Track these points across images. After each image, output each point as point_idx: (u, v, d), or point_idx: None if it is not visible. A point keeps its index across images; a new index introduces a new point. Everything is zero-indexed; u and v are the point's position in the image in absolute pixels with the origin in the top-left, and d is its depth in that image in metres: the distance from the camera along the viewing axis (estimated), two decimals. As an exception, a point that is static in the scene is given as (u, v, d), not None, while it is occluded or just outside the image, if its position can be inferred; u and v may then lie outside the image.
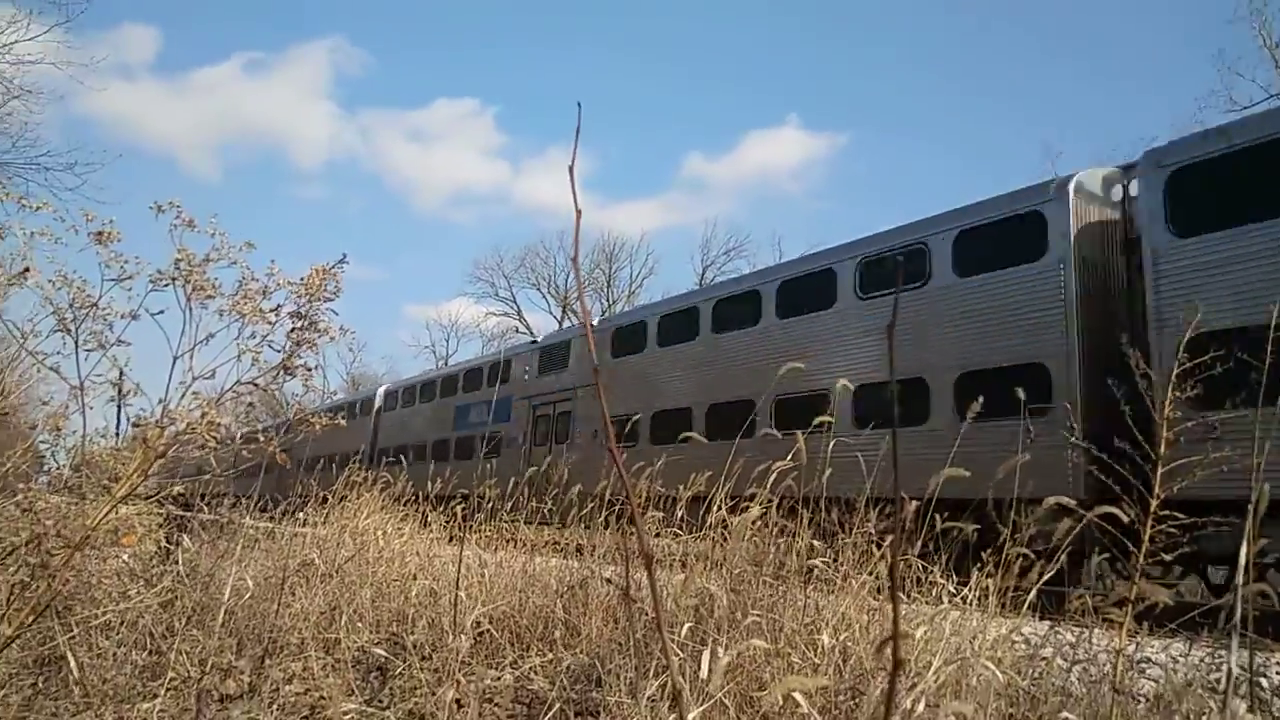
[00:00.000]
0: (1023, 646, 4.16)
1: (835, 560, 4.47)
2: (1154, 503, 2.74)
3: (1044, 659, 3.91)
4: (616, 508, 5.64)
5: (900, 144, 64.24)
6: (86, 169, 12.77)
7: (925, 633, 3.52)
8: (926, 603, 4.38)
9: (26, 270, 3.06)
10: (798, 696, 2.93)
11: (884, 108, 62.83)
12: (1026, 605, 3.88)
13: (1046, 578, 3.73)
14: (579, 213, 1.30)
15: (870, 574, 4.24)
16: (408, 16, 65.78)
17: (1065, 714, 3.17)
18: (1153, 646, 4.71)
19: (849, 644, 3.86)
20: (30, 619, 3.10)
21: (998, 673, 3.30)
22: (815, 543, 4.61)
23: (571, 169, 1.26)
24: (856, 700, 3.47)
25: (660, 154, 69.28)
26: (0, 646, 3.07)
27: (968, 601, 4.06)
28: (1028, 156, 62.57)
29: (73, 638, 3.69)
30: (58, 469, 4.22)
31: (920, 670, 3.31)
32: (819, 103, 65.49)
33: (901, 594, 4.51)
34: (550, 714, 3.71)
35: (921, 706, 2.96)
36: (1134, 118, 57.16)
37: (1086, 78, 55.96)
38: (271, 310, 3.17)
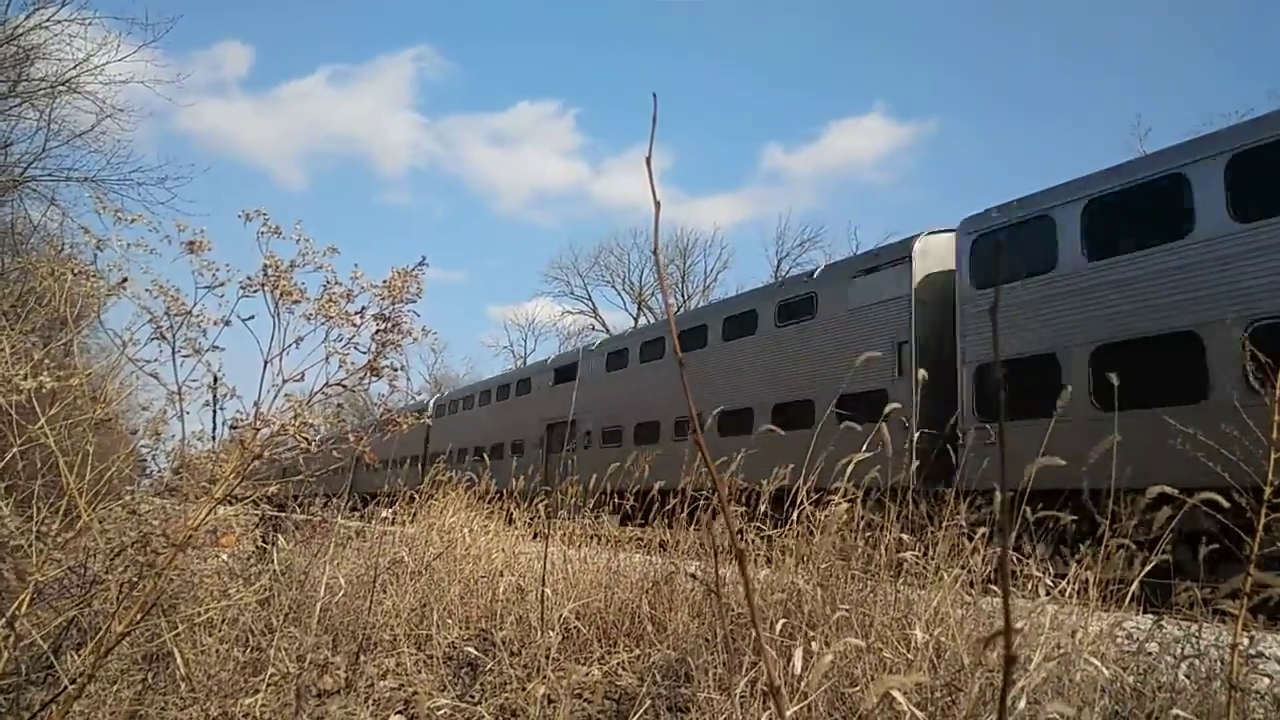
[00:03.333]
0: (1126, 642, 4.01)
1: (925, 554, 4.38)
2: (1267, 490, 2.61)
3: (1149, 654, 3.77)
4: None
5: (990, 126, 62.52)
6: (176, 182, 13.32)
7: (1023, 627, 3.41)
8: (1023, 597, 4.26)
9: (125, 281, 3.19)
10: (895, 694, 2.87)
11: (973, 91, 61.25)
12: (1129, 598, 3.75)
13: (1149, 569, 3.60)
14: (658, 204, 1.28)
15: (962, 567, 4.13)
16: (491, 22, 66.86)
17: (1176, 711, 3.05)
18: (1265, 642, 4.50)
19: (942, 639, 3.77)
20: (139, 617, 3.22)
21: (1103, 669, 3.19)
22: (904, 536, 4.52)
23: (649, 160, 1.24)
24: (953, 697, 3.38)
25: (739, 147, 68.85)
26: (113, 644, 3.20)
27: (1066, 594, 3.94)
28: (1119, 132, 60.11)
29: (178, 635, 3.82)
30: (159, 472, 4.39)
31: (1020, 665, 3.21)
32: (906, 90, 64.15)
33: (995, 586, 4.40)
34: (640, 710, 3.71)
35: (1023, 703, 2.87)
36: (1232, 87, 54.48)
37: (1182, 47, 53.55)
38: (356, 313, 3.24)
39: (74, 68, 12.75)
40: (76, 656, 3.28)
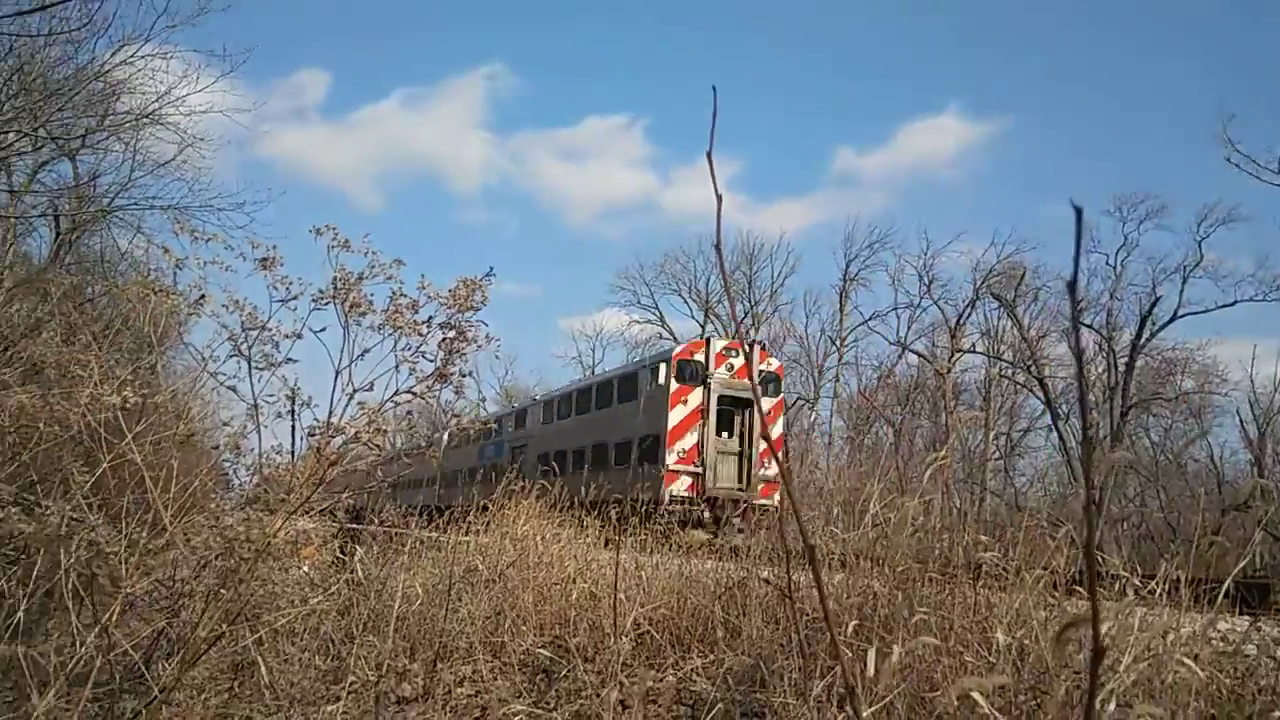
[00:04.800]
0: (1220, 643, 3.84)
1: (1005, 554, 4.26)
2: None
3: (1247, 656, 3.60)
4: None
5: (1068, 121, 60.64)
6: (254, 207, 13.73)
7: (1111, 628, 3.28)
8: (1109, 598, 4.12)
9: (203, 297, 3.31)
10: (976, 696, 2.79)
11: (1050, 86, 59.44)
12: (1221, 598, 3.59)
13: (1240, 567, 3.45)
14: (719, 198, 1.26)
15: (1045, 568, 4.01)
16: (560, 36, 67.57)
17: (1279, 715, 2.90)
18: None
19: (1025, 642, 3.66)
20: (223, 625, 3.31)
21: (1197, 670, 3.06)
22: (983, 537, 4.41)
23: (709, 155, 1.23)
24: (1039, 700, 3.28)
25: (809, 151, 67.95)
26: (201, 651, 3.30)
27: (1155, 595, 3.79)
28: (1202, 120, 57.67)
29: (262, 644, 3.91)
30: (241, 485, 4.52)
31: (1109, 668, 3.10)
32: (982, 87, 62.60)
33: (1080, 588, 4.26)
34: (713, 714, 3.68)
35: (1113, 706, 2.77)
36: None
37: (1270, 31, 51.26)
38: (423, 323, 3.30)
39: (156, 100, 13.28)
40: (167, 665, 3.39)
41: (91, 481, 3.24)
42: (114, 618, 2.96)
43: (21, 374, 4.14)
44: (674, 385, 16.17)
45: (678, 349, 17.55)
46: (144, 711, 3.17)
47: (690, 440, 15.93)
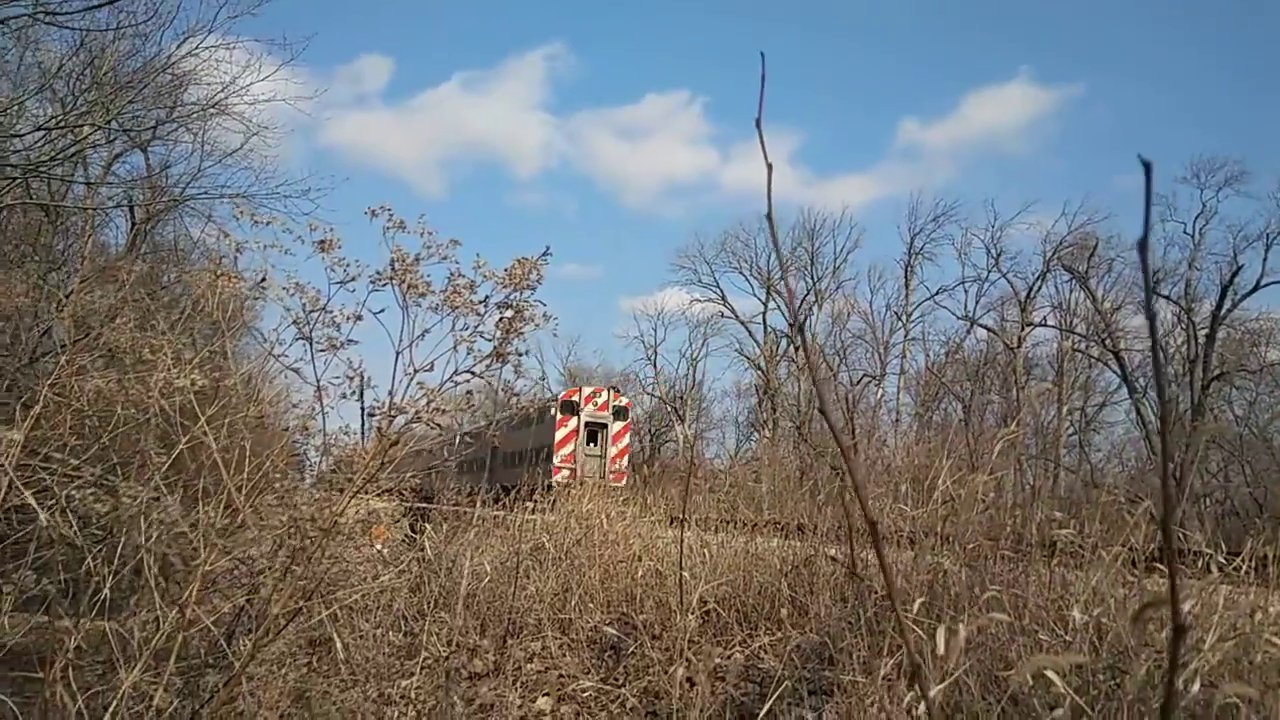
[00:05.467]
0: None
1: (1081, 532, 4.14)
2: None
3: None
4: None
5: (1142, 85, 58.15)
6: (318, 194, 13.95)
7: (1194, 607, 3.17)
8: (1192, 576, 3.98)
9: (264, 279, 3.38)
10: (1051, 675, 2.72)
11: (1123, 50, 57.00)
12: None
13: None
14: (770, 167, 1.23)
15: (1123, 545, 3.88)
16: (620, 15, 66.88)
17: (1376, 696, 2.77)
18: None
19: (1103, 620, 3.56)
20: (297, 601, 3.39)
21: (1288, 649, 2.93)
22: (1057, 514, 4.30)
23: (758, 122, 1.20)
24: (1117, 680, 3.19)
25: (872, 124, 66.27)
26: (276, 627, 3.39)
27: (1241, 572, 3.65)
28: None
29: (337, 620, 4.00)
30: (312, 465, 4.62)
31: (1192, 647, 3.00)
32: (1052, 52, 60.34)
33: (1160, 565, 4.12)
34: (780, 692, 3.66)
35: (1196, 686, 2.68)
36: None
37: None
38: (480, 302, 3.32)
39: (222, 90, 13.57)
40: (246, 641, 3.49)
41: (168, 463, 3.33)
42: (193, 595, 3.05)
43: (101, 361, 4.29)
44: (559, 415, 26.14)
45: (563, 393, 28.13)
46: (225, 685, 3.26)
47: (568, 449, 25.93)
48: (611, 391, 29.45)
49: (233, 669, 3.29)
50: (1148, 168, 0.61)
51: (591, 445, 27.26)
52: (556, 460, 25.71)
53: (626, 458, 27.66)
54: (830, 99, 65.50)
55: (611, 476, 23.33)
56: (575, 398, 27.64)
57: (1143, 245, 0.62)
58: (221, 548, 3.24)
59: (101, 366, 3.99)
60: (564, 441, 26.84)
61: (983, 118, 56.76)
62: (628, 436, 30.04)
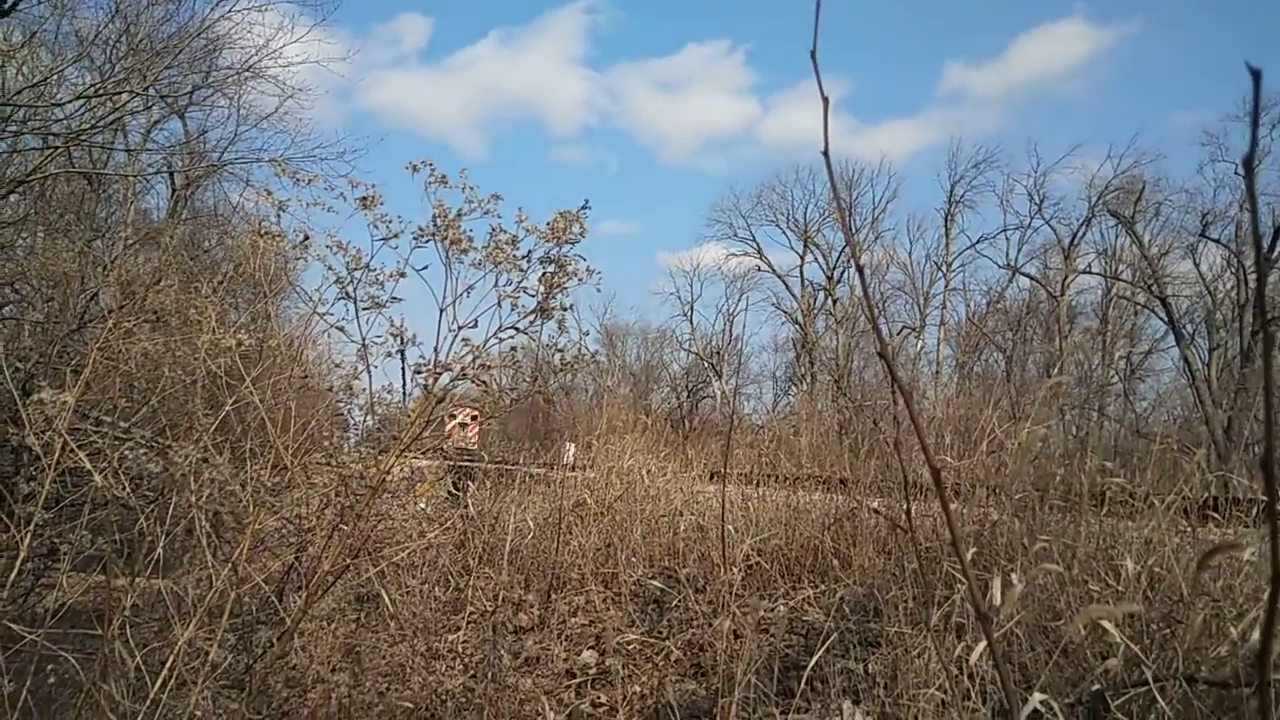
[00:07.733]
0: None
1: (1131, 480, 4.07)
2: None
3: None
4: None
5: (1201, 19, 55.62)
6: (354, 155, 14.01)
7: (1253, 554, 3.10)
8: (1247, 524, 3.90)
9: (307, 238, 3.38)
10: (1106, 625, 2.68)
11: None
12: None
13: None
14: (826, 100, 1.17)
15: (1176, 493, 3.81)
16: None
17: None
18: None
19: (1156, 570, 3.50)
20: (346, 558, 3.43)
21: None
22: (1107, 463, 4.22)
23: (813, 54, 1.14)
24: (1172, 629, 3.14)
25: (918, 69, 64.35)
26: (325, 584, 3.44)
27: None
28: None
29: (384, 577, 4.06)
30: (357, 424, 4.66)
31: (1250, 598, 2.94)
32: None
33: (1214, 513, 4.04)
34: (828, 644, 3.65)
35: (1256, 636, 2.62)
36: None
37: None
38: (522, 257, 3.30)
39: (255, 53, 13.60)
40: (297, 598, 3.56)
41: (216, 424, 3.38)
42: (244, 553, 3.10)
43: (147, 325, 4.36)
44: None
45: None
46: (278, 640, 3.33)
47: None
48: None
49: (284, 625, 3.35)
50: (1256, 76, 0.55)
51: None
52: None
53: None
54: (876, 45, 63.81)
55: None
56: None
57: (1248, 162, 0.57)
58: (271, 506, 3.29)
59: (148, 330, 4.06)
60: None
61: (1034, 57, 54.87)
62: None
